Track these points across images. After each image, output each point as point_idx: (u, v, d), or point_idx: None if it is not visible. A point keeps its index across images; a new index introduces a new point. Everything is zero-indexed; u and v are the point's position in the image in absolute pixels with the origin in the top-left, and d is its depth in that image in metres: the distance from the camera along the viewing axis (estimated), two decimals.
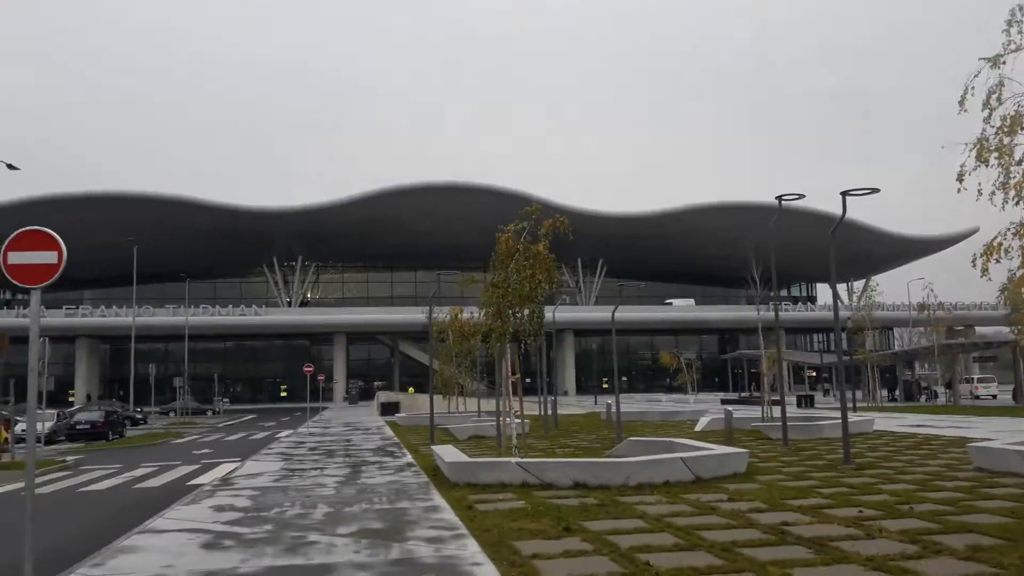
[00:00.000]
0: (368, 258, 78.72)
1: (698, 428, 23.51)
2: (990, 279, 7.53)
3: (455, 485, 11.97)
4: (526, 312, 14.93)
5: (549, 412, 26.57)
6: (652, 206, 67.94)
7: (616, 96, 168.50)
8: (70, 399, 62.47)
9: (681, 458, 11.95)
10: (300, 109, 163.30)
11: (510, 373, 15.64)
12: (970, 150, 7.69)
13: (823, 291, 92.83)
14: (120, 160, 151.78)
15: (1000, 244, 7.43)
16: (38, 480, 16.52)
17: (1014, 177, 7.54)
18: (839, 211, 14.26)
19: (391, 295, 79.83)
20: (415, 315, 58.61)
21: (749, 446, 17.16)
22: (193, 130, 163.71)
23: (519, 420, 15.51)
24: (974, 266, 7.57)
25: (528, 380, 42.48)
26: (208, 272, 73.42)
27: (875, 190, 14.27)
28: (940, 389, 51.47)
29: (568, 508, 9.67)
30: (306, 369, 32.16)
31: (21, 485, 15.62)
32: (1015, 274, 7.32)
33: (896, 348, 69.28)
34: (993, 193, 7.63)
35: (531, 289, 14.62)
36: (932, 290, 44.70)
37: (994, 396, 46.48)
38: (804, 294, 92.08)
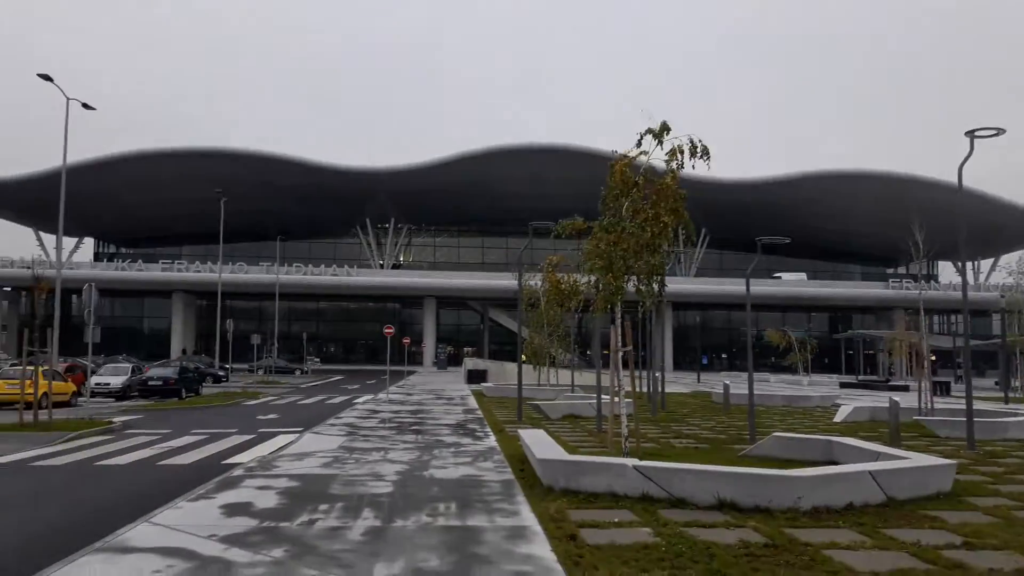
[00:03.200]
0: (461, 222, 76.67)
1: (839, 419, 19.71)
2: None
3: (549, 491, 8.89)
4: (643, 266, 11.14)
5: (656, 390, 23.22)
6: (746, 173, 62.72)
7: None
8: (184, 352, 63.78)
9: (869, 472, 8.49)
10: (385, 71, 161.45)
11: (620, 344, 11.99)
12: None
13: (944, 269, 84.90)
14: (197, 121, 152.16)
15: None
16: (71, 444, 14.45)
17: None
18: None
19: (482, 260, 77.47)
20: (505, 281, 56.04)
21: (918, 447, 13.47)
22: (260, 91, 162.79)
23: (628, 400, 11.96)
24: None
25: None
26: (307, 232, 73.16)
27: (1000, 130, 11.30)
28: None
29: (724, 551, 6.41)
30: (386, 331, 29.64)
31: (39, 452, 13.59)
32: None
33: None
34: None
35: (653, 236, 10.92)
36: None
37: None
38: (924, 272, 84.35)
